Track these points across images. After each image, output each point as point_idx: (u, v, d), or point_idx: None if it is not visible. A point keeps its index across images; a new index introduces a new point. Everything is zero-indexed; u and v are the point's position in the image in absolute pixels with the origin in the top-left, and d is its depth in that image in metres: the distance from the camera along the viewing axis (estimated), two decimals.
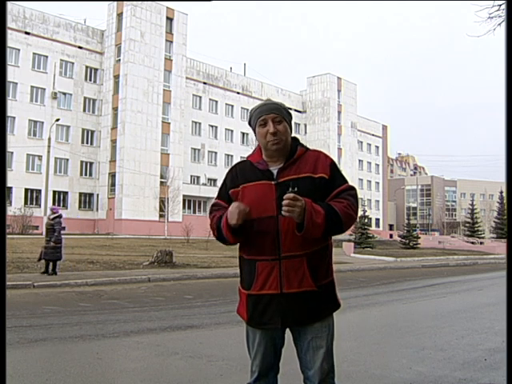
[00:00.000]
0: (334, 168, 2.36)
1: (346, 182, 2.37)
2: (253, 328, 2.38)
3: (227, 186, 2.44)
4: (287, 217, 2.17)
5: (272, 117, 2.34)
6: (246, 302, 2.36)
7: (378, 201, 71.99)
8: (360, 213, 35.25)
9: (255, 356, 2.39)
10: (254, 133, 2.42)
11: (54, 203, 40.49)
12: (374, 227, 60.46)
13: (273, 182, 2.31)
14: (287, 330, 2.40)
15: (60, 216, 13.02)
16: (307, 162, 2.34)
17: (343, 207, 2.25)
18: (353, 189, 2.36)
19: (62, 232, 13.18)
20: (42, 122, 41.01)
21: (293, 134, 2.45)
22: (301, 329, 2.33)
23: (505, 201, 56.18)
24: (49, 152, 36.41)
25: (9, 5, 36.51)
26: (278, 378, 2.47)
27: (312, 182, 2.29)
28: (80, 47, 43.86)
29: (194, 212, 48.06)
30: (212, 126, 52.14)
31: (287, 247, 2.26)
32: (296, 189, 2.17)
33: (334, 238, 2.48)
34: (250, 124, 2.45)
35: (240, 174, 2.41)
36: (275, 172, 2.34)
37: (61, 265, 14.80)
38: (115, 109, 43.37)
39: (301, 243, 2.25)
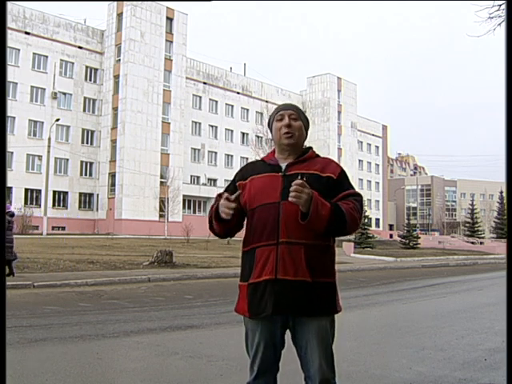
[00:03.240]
0: (343, 174, 2.42)
1: (353, 188, 2.42)
2: (251, 326, 2.38)
3: (235, 179, 2.53)
4: (293, 203, 2.19)
5: (289, 113, 2.46)
6: (246, 293, 2.36)
7: (378, 201, 72.01)
8: None
9: (254, 355, 2.38)
10: (271, 132, 2.52)
11: (53, 203, 40.57)
12: (374, 227, 60.45)
13: (280, 174, 2.37)
14: (287, 331, 2.40)
15: (12, 214, 11.77)
16: (316, 163, 2.41)
17: (349, 209, 2.27)
18: (360, 195, 2.40)
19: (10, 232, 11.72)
20: (42, 122, 41.00)
21: None
22: (300, 327, 2.33)
23: (505, 201, 56.19)
24: (49, 152, 36.44)
25: (9, 5, 36.50)
26: (278, 377, 2.46)
27: (319, 179, 2.33)
28: (80, 47, 43.84)
29: (194, 212, 48.05)
30: (212, 126, 52.13)
31: (286, 233, 2.27)
32: (305, 178, 2.21)
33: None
34: (268, 125, 2.56)
35: (250, 169, 2.50)
36: (284, 166, 2.41)
37: (61, 265, 14.83)
38: (115, 109, 43.36)
39: (301, 231, 2.27)
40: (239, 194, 2.34)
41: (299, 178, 2.21)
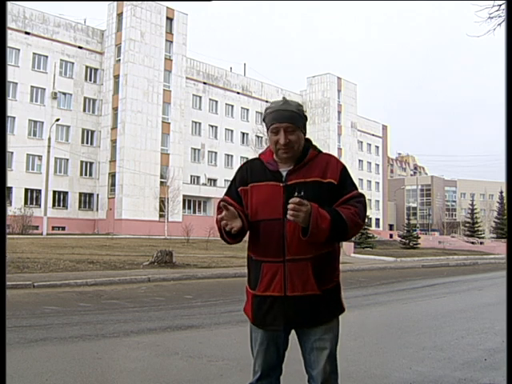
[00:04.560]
0: (344, 174, 2.34)
1: (355, 188, 2.35)
2: (256, 328, 2.39)
3: (236, 183, 2.44)
4: (292, 221, 2.17)
5: (285, 126, 2.29)
6: (252, 301, 2.38)
7: (378, 201, 71.98)
8: None
9: (257, 355, 2.39)
10: (267, 132, 2.40)
11: (53, 203, 40.56)
12: (374, 227, 60.49)
13: (281, 184, 2.30)
14: (292, 331, 2.39)
15: None
16: (317, 166, 2.33)
17: (350, 214, 2.23)
18: (362, 196, 2.34)
19: None
20: (42, 122, 40.98)
21: None
22: (305, 330, 2.34)
23: (505, 201, 56.19)
24: (49, 152, 36.40)
25: (9, 5, 36.48)
26: (282, 378, 2.46)
27: (320, 186, 2.28)
28: (80, 47, 43.82)
29: (194, 212, 48.03)
30: (212, 126, 52.12)
31: (292, 250, 2.26)
32: (302, 193, 2.16)
33: None
34: (263, 120, 2.42)
35: (250, 172, 2.41)
36: (284, 174, 2.33)
37: (61, 265, 14.81)
38: (115, 109, 43.35)
39: (306, 247, 2.25)
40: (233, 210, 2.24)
41: (296, 194, 2.17)
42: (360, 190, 2.37)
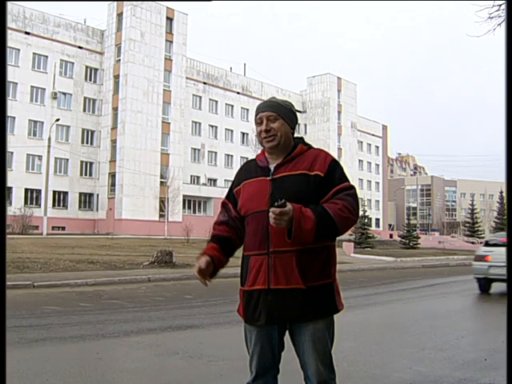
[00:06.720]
0: (333, 166, 2.30)
1: (345, 180, 2.31)
2: (249, 327, 2.38)
3: (233, 185, 2.51)
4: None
5: (266, 115, 2.36)
6: (243, 298, 2.37)
7: (378, 201, 71.97)
8: (360, 213, 35.21)
9: (252, 356, 2.37)
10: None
11: (53, 203, 40.57)
12: (374, 227, 60.40)
13: (268, 178, 2.33)
14: (286, 332, 2.38)
15: None
16: (306, 160, 2.33)
17: (338, 210, 2.18)
18: (351, 188, 2.29)
19: None
20: (42, 122, 40.98)
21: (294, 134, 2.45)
22: (297, 330, 2.31)
23: (505, 201, 56.20)
24: (49, 152, 36.41)
25: (9, 5, 36.48)
26: (279, 377, 2.45)
27: (306, 179, 2.26)
28: (80, 47, 43.83)
29: (194, 212, 48.03)
30: (212, 126, 52.14)
31: (276, 242, 2.24)
32: (283, 200, 2.12)
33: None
34: None
35: (245, 172, 2.48)
36: (272, 168, 2.36)
37: (61, 265, 14.80)
38: (115, 109, 43.35)
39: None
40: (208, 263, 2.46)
41: (276, 204, 2.12)
42: (360, 190, 2.36)
